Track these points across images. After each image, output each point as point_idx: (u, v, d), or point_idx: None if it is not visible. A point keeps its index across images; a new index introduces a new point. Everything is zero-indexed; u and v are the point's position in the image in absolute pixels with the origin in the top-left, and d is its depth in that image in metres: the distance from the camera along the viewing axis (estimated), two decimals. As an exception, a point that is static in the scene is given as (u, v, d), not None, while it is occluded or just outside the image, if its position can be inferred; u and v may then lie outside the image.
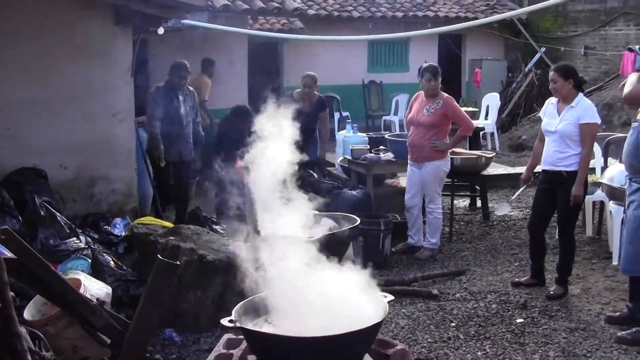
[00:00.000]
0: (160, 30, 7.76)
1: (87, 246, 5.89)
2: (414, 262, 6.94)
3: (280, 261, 4.57)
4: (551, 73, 5.72)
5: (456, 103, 7.07)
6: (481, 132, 13.39)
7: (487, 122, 13.55)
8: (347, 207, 6.96)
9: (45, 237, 5.70)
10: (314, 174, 7.84)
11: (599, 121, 5.60)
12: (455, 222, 8.32)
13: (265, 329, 3.83)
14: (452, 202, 8.01)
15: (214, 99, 11.16)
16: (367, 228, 6.76)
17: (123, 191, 6.94)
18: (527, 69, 15.82)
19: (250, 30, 12.20)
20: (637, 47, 4.75)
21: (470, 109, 10.30)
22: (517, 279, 6.15)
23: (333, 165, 10.11)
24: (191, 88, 7.81)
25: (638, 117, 4.85)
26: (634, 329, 4.86)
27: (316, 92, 8.67)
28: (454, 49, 17.84)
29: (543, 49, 16.10)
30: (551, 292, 5.78)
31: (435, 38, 17.90)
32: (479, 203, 9.02)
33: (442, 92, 7.01)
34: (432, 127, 6.83)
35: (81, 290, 4.42)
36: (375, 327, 3.80)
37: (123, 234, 6.54)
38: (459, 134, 7.07)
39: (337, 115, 16.56)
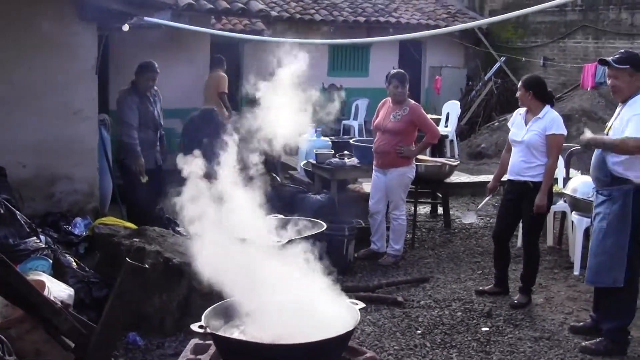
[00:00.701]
0: (125, 27, 7.63)
1: (47, 246, 5.75)
2: (377, 268, 6.93)
3: (248, 266, 4.55)
4: (518, 85, 5.79)
5: (423, 110, 7.08)
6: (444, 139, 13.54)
7: (447, 130, 13.64)
8: (311, 211, 6.92)
9: (4, 236, 5.51)
10: (277, 178, 7.79)
11: (565, 132, 5.67)
12: (417, 229, 8.36)
13: (236, 335, 3.76)
14: (415, 209, 8.04)
15: (172, 98, 11.00)
16: (332, 233, 6.72)
17: (84, 191, 6.78)
18: (486, 78, 16.01)
19: (213, 30, 12.08)
20: (610, 59, 4.77)
21: (433, 116, 10.34)
22: (480, 288, 6.19)
23: (294, 168, 10.08)
24: (156, 87, 7.53)
25: (605, 131, 4.92)
26: (597, 339, 4.93)
27: None
28: (415, 55, 17.95)
29: (503, 59, 16.31)
30: (515, 301, 5.83)
31: (396, 44, 17.99)
32: (439, 210, 9.08)
33: (409, 100, 7.02)
34: (398, 133, 6.83)
35: (45, 292, 4.30)
36: (347, 335, 3.77)
37: (84, 234, 6.40)
38: (425, 141, 7.10)
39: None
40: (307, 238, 5.67)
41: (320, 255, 6.52)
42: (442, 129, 13.58)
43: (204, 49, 12.11)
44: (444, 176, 7.89)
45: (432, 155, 9.25)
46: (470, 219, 6.98)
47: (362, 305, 4.11)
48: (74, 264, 5.39)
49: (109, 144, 8.15)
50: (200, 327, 3.79)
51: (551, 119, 5.61)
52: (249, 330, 3.89)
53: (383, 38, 14.34)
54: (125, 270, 4.11)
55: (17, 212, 5.68)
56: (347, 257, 6.83)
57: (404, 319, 5.54)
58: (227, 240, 5.60)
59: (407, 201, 8.40)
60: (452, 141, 13.81)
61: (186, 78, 11.64)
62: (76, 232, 6.42)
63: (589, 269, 4.98)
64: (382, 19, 17.31)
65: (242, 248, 5.41)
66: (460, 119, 15.56)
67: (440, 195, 8.80)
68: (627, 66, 4.75)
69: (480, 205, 7.02)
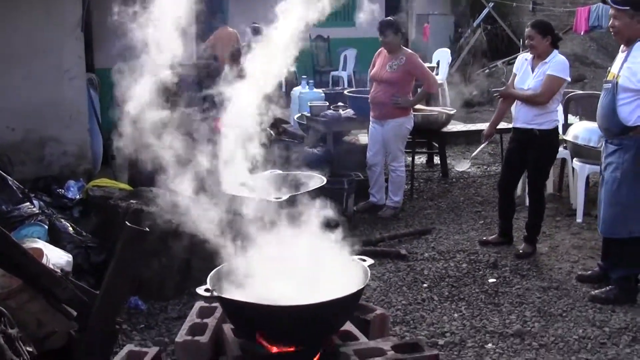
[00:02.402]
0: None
1: (41, 211, 5.60)
2: (378, 221, 6.83)
3: (249, 225, 4.43)
4: (528, 29, 5.54)
5: (420, 60, 6.90)
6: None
7: (438, 78, 13.42)
8: (307, 165, 6.76)
9: (-3, 202, 5.38)
10: (271, 132, 7.61)
11: (565, 78, 5.45)
12: (414, 180, 8.25)
13: (243, 297, 3.64)
14: (412, 159, 7.90)
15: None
16: (330, 187, 6.59)
17: (75, 153, 6.61)
18: (475, 24, 15.77)
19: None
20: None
21: (428, 64, 10.13)
22: (484, 238, 6.10)
23: (287, 122, 9.89)
24: None
25: (609, 78, 4.76)
26: (607, 288, 4.86)
27: None
28: (400, 3, 17.62)
29: (491, 4, 16.05)
30: (520, 251, 5.75)
31: (382, -8, 17.67)
32: (436, 160, 8.97)
33: (405, 48, 6.85)
34: (394, 84, 6.67)
35: (43, 261, 4.15)
36: (357, 294, 3.68)
37: (78, 197, 6.24)
38: (422, 90, 6.96)
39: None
40: (308, 193, 5.54)
41: (324, 209, 6.46)
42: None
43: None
44: (440, 125, 7.75)
45: (427, 104, 9.08)
46: (463, 166, 6.90)
47: (370, 261, 4.02)
48: (70, 229, 5.24)
49: (98, 103, 7.95)
50: (207, 290, 3.68)
51: (555, 62, 5.42)
52: (255, 292, 3.78)
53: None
54: (126, 235, 3.99)
55: (8, 177, 5.51)
56: (347, 211, 6.71)
57: (409, 273, 5.46)
58: (226, 199, 5.49)
59: (405, 152, 8.31)
60: (443, 89, 13.63)
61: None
62: (69, 195, 6.27)
63: (603, 220, 4.87)
64: (367, -35, 16.94)
65: (243, 206, 5.29)
66: (450, 66, 15.37)
67: (437, 145, 8.68)
68: (627, 7, 4.58)
69: (474, 153, 6.90)
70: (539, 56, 5.49)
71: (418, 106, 8.08)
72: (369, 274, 3.82)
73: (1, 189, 5.42)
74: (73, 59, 6.42)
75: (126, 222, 4.15)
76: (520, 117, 5.58)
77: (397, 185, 6.98)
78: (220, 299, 3.71)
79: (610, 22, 4.75)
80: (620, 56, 4.74)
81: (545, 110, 5.45)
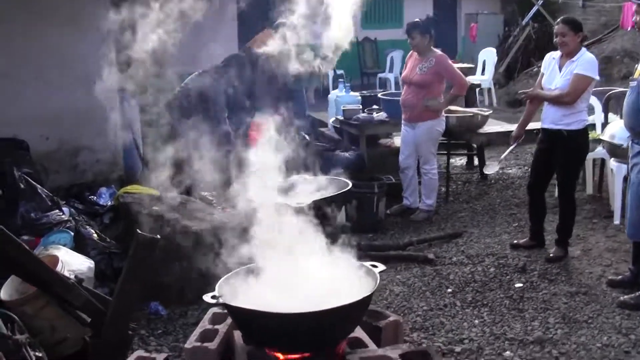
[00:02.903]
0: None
1: (70, 218, 5.69)
2: (410, 225, 6.75)
3: (267, 231, 4.42)
4: (559, 26, 5.36)
5: (449, 61, 6.79)
6: (477, 88, 13.16)
7: (483, 78, 13.26)
8: (339, 169, 6.73)
9: (26, 210, 5.48)
10: (306, 137, 7.58)
11: (594, 76, 5.27)
12: (452, 182, 8.14)
13: (251, 304, 3.62)
14: (448, 161, 7.79)
15: (199, 59, 10.85)
16: (361, 191, 6.57)
17: (108, 160, 6.69)
18: (523, 23, 15.46)
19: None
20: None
21: (465, 65, 10.00)
22: (515, 241, 5.95)
23: (326, 125, 9.87)
24: None
25: (636, 76, 4.58)
26: (637, 293, 4.68)
27: None
28: (447, 2, 17.47)
29: (540, 2, 15.71)
30: (551, 255, 5.59)
31: (430, -8, 17.56)
32: (476, 161, 8.81)
33: (435, 50, 6.74)
34: (424, 86, 6.58)
35: (59, 267, 4.23)
36: (364, 301, 3.62)
37: (109, 203, 6.33)
38: (452, 92, 6.84)
39: (331, 74, 16.27)
40: (330, 198, 5.50)
41: (348, 213, 6.43)
42: (478, 77, 13.29)
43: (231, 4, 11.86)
44: (476, 127, 7.60)
45: (466, 105, 8.93)
46: (492, 169, 6.73)
47: (382, 267, 3.96)
48: (95, 235, 5.32)
49: (137, 111, 8.07)
50: (213, 297, 3.68)
51: (583, 60, 5.25)
52: (265, 298, 3.76)
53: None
54: (137, 242, 4.03)
55: (38, 185, 5.62)
56: (378, 215, 6.66)
57: (434, 277, 5.36)
58: (248, 204, 5.49)
59: (439, 154, 8.19)
60: (489, 89, 13.43)
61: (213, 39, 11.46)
62: (101, 202, 6.35)
63: (630, 223, 4.71)
64: (414, -34, 16.86)
65: (259, 212, 5.29)
66: (498, 66, 15.12)
67: (475, 146, 8.53)
68: None
69: (504, 155, 6.74)
70: (568, 54, 5.32)
71: (453, 107, 7.98)
72: (378, 282, 3.76)
73: (31, 197, 5.53)
74: (105, 69, 6.50)
75: (137, 230, 4.22)
76: (548, 117, 5.43)
77: (430, 189, 6.88)
78: (227, 307, 3.70)
79: (634, 18, 4.58)
80: None
81: (573, 110, 5.29)
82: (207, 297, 3.70)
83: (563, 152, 5.38)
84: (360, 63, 16.67)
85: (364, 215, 6.60)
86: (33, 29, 6.15)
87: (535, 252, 5.75)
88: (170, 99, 7.93)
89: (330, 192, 5.58)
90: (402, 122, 6.86)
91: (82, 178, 6.62)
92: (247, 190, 5.69)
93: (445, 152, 7.76)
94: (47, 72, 6.29)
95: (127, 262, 4.07)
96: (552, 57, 5.52)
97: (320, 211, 5.41)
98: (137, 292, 4.10)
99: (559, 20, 5.49)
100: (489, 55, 13.45)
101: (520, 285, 5.12)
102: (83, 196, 6.41)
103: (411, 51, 6.98)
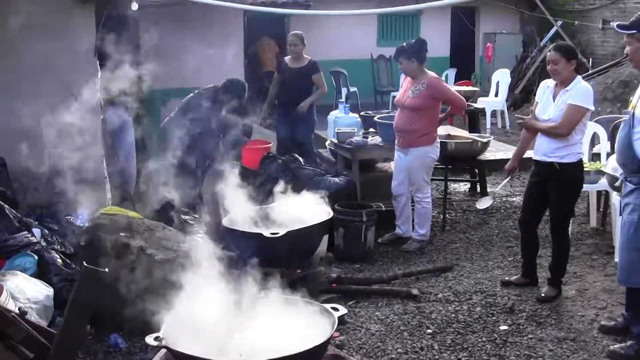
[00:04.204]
0: (134, 6, 7.25)
1: (40, 240, 5.49)
2: (400, 255, 6.43)
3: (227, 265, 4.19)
4: (551, 53, 5.05)
5: (443, 83, 6.50)
6: (491, 111, 12.83)
7: (497, 100, 12.91)
8: (328, 195, 6.44)
9: (-8, 231, 5.29)
10: (299, 158, 7.30)
11: (589, 107, 4.95)
12: (451, 210, 7.82)
13: (194, 350, 3.34)
14: (445, 188, 7.47)
15: (204, 76, 10.67)
16: (348, 219, 6.28)
17: (88, 179, 6.45)
18: (542, 44, 15.10)
19: (247, 6, 11.59)
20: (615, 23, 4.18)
21: (470, 88, 9.66)
22: (507, 278, 5.62)
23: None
24: None
25: (629, 108, 4.26)
26: (628, 343, 4.34)
27: (306, 56, 8.20)
28: (466, 22, 17.16)
29: (560, 23, 15.36)
30: (542, 294, 5.25)
31: (448, 11, 17.24)
32: (479, 188, 8.48)
33: (428, 72, 6.44)
34: (417, 110, 6.29)
35: (2, 298, 4.00)
36: (314, 351, 3.31)
37: (86, 224, 6.10)
38: (448, 112, 6.62)
39: (344, 91, 16.04)
40: (308, 229, 5.23)
41: (332, 243, 6.15)
42: (491, 99, 12.95)
43: (237, 24, 11.69)
44: (475, 153, 7.27)
45: (470, 130, 8.63)
46: (485, 204, 6.31)
47: (343, 311, 3.66)
48: (59, 260, 5.09)
49: (131, 126, 7.88)
50: (156, 338, 3.42)
51: (577, 89, 4.94)
52: (211, 343, 3.49)
53: (431, 4, 13.66)
54: (82, 275, 3.79)
55: (6, 206, 5.42)
56: (366, 244, 6.34)
57: (415, 316, 5.04)
58: (221, 233, 5.23)
59: (437, 179, 7.90)
60: (502, 112, 13.07)
61: (218, 56, 11.28)
62: (78, 223, 6.13)
63: (620, 267, 4.38)
64: (432, -16, 16.55)
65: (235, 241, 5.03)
66: (514, 87, 14.78)
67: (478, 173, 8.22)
68: (634, 30, 4.10)
69: (497, 189, 6.43)
70: (562, 83, 5.01)
71: (454, 133, 7.70)
72: (336, 326, 3.47)
73: (-1, 218, 5.33)
74: (86, 83, 6.30)
75: (84, 262, 3.97)
76: (540, 149, 5.11)
77: (423, 218, 6.57)
78: (170, 350, 3.43)
79: (625, 49, 4.27)
80: None
81: (566, 143, 4.96)
82: (149, 339, 3.44)
83: (556, 186, 5.06)
84: (375, 81, 16.38)
85: (351, 245, 6.30)
86: (15, 41, 5.98)
87: (526, 290, 5.42)
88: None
89: (309, 221, 5.31)
90: (396, 147, 6.57)
91: (62, 197, 6.39)
92: (221, 218, 5.50)
93: (443, 178, 7.44)
94: (26, 85, 6.10)
95: (72, 295, 3.83)
96: (546, 86, 5.20)
97: (295, 242, 5.17)
98: (82, 327, 3.86)
99: (551, 47, 5.19)
100: (502, 77, 13.10)
101: (506, 328, 4.79)
102: (59, 216, 6.20)
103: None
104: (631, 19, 4.18)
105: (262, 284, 3.96)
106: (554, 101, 5.06)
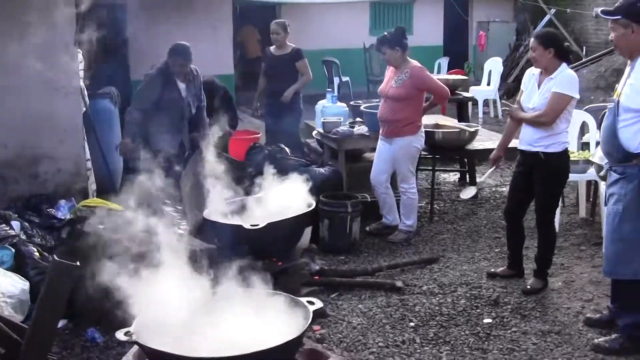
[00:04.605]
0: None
1: (20, 233, 5.40)
2: (386, 247, 6.34)
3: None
4: (531, 40, 5.02)
5: (426, 72, 6.39)
6: (483, 100, 12.75)
7: (489, 89, 12.83)
8: (314, 186, 6.34)
9: (-32, 224, 5.20)
10: (285, 149, 7.21)
11: (573, 95, 4.85)
12: (440, 200, 7.74)
13: (166, 345, 3.26)
14: (433, 178, 7.38)
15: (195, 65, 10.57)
16: (332, 210, 6.20)
17: (70, 170, 6.37)
18: (535, 32, 14.97)
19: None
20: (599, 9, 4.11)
21: (458, 77, 9.52)
22: (493, 270, 5.54)
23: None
24: (194, 69, 6.89)
25: (614, 96, 4.17)
26: (612, 336, 4.26)
27: (290, 44, 8.10)
28: (458, 10, 17.04)
29: (553, 11, 15.25)
30: (528, 287, 5.17)
31: (441, -1, 17.15)
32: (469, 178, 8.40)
33: (411, 61, 6.35)
34: (400, 100, 6.21)
35: (-27, 293, 3.92)
36: (288, 346, 3.23)
37: (68, 217, 6.01)
38: (430, 101, 6.55)
39: (336, 80, 15.94)
40: (289, 220, 5.15)
41: (316, 235, 6.06)
42: (483, 88, 12.86)
43: (225, 12, 11.55)
44: (463, 143, 7.18)
45: (458, 119, 8.53)
46: (469, 193, 6.23)
47: (319, 305, 3.58)
48: (36, 254, 4.99)
49: (117, 117, 7.78)
50: (127, 333, 3.35)
51: (561, 77, 4.84)
52: (183, 338, 3.41)
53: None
54: (53, 269, 3.72)
55: (-18, 198, 5.33)
56: (352, 236, 6.26)
57: (398, 309, 4.96)
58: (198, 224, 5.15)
59: (426, 169, 7.84)
60: (494, 101, 12.98)
61: (207, 44, 11.17)
62: (59, 215, 6.03)
63: (605, 258, 4.29)
64: (424, -27, 16.46)
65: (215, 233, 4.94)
66: (507, 76, 14.68)
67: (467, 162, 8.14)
68: (619, 16, 4.01)
69: (482, 178, 6.33)
70: (546, 70, 4.93)
71: (442, 122, 7.61)
72: (310, 319, 3.40)
73: (-26, 210, 5.24)
74: (67, 74, 6.20)
75: (54, 256, 3.88)
76: (525, 138, 5.03)
77: (408, 208, 6.49)
78: (140, 346, 3.36)
79: (610, 35, 4.18)
80: (626, 71, 4.15)
81: (551, 132, 4.87)
82: (119, 334, 3.37)
83: (541, 177, 4.98)
84: (367, 70, 16.27)
85: (336, 236, 6.22)
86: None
87: (512, 282, 5.34)
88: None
89: (290, 213, 5.22)
90: (380, 136, 6.49)
91: (43, 189, 6.30)
92: (200, 210, 5.41)
93: (430, 168, 7.36)
94: (5, 77, 6.00)
95: (43, 289, 3.76)
96: (531, 74, 5.11)
97: (276, 234, 5.08)
98: (53, 322, 3.80)
99: (532, 34, 5.11)
100: (494, 65, 13.01)
101: (489, 321, 4.72)
102: (40, 209, 6.11)
103: None
104: (615, 4, 4.09)
105: (240, 276, 3.90)
106: (538, 89, 4.97)
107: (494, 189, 8.12)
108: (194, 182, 5.42)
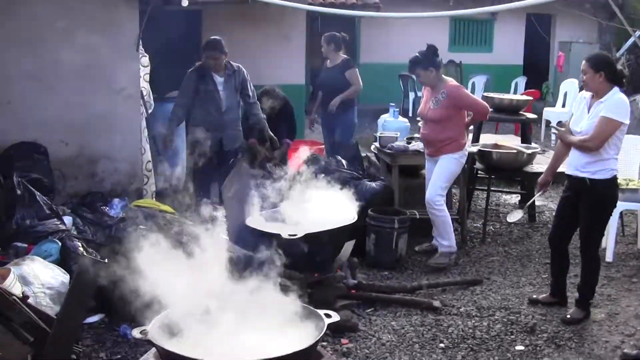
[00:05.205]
0: (185, 2, 7.30)
1: (72, 228, 5.62)
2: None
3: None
4: (582, 63, 4.90)
5: (463, 90, 6.27)
6: (557, 122, 12.43)
7: (563, 110, 12.50)
8: (364, 200, 6.32)
9: (22, 217, 5.42)
10: (341, 160, 7.23)
11: (623, 120, 4.70)
12: (497, 222, 7.60)
13: (178, 347, 3.33)
14: (487, 199, 7.26)
15: (266, 74, 10.71)
16: (379, 225, 6.18)
17: (126, 171, 6.58)
18: (618, 55, 14.54)
19: (305, 6, 11.53)
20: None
21: (522, 97, 9.25)
22: (535, 296, 5.40)
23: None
24: (235, 65, 6.96)
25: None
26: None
27: (342, 55, 8.23)
28: (539, 30, 16.73)
29: (638, 33, 14.73)
30: (568, 316, 5.01)
31: (523, 17, 16.89)
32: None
33: (446, 79, 6.21)
34: (440, 121, 6.09)
35: (8, 282, 4.09)
36: (297, 355, 3.24)
37: (119, 215, 6.20)
38: (471, 118, 6.36)
39: (412, 96, 15.91)
40: (328, 232, 5.15)
41: (368, 245, 6.02)
42: (558, 110, 12.56)
43: (299, 24, 11.66)
44: (521, 164, 7.03)
45: (522, 141, 8.37)
46: (515, 217, 6.03)
47: (335, 318, 3.57)
48: (81, 248, 5.16)
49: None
50: (142, 332, 3.43)
51: (611, 101, 4.71)
52: (199, 342, 3.47)
53: (503, 6, 13.34)
54: (81, 265, 3.85)
55: (37, 192, 5.54)
56: (397, 252, 6.21)
57: (431, 328, 4.90)
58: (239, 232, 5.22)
59: (481, 189, 7.72)
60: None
61: (280, 55, 11.31)
62: (112, 213, 6.23)
63: None
64: (507, -10, 16.20)
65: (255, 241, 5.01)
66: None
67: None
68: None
69: (529, 202, 6.16)
70: (597, 94, 4.79)
71: (501, 143, 7.48)
72: (324, 331, 3.39)
73: (29, 204, 5.46)
74: (128, 77, 6.41)
75: (82, 253, 4.01)
76: (572, 163, 4.90)
77: (442, 227, 6.23)
78: (154, 346, 3.43)
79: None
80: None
81: (599, 157, 4.73)
82: (135, 332, 3.45)
83: (587, 203, 4.83)
84: (443, 87, 16.15)
85: (381, 251, 6.19)
86: (64, 33, 6.12)
87: (553, 310, 5.19)
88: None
89: (331, 224, 5.22)
90: (425, 156, 6.44)
91: (100, 187, 6.53)
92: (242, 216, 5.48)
93: (486, 188, 7.24)
94: (71, 78, 6.25)
95: (71, 283, 3.90)
96: (582, 97, 4.98)
97: (314, 244, 5.09)
98: (81, 315, 3.96)
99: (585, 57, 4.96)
100: (571, 87, 12.68)
101: (522, 348, 4.60)
102: (95, 206, 6.32)
103: None
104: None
105: (271, 285, 3.92)
106: (588, 112, 4.83)
107: (553, 213, 7.89)
108: (237, 188, 5.48)
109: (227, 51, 6.77)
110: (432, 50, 6.16)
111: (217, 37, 6.85)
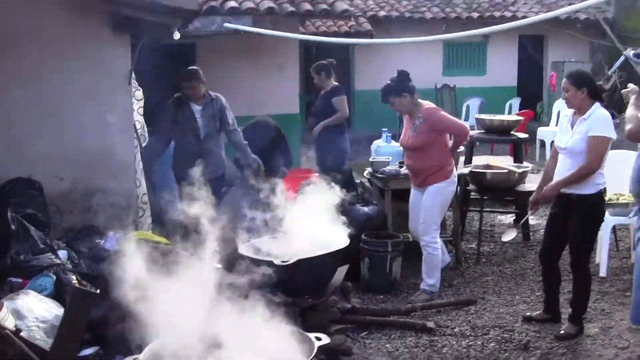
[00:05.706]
0: (176, 36, 7.42)
1: (66, 262, 5.66)
2: (427, 287, 6.30)
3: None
4: (564, 80, 4.98)
5: (441, 112, 6.10)
6: (550, 141, 12.50)
7: (556, 130, 12.55)
8: (356, 225, 6.37)
9: (17, 252, 5.46)
10: (335, 186, 7.27)
11: (611, 135, 4.78)
12: (491, 242, 7.64)
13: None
14: (480, 219, 7.31)
15: (260, 104, 10.82)
16: (373, 249, 6.22)
17: (122, 204, 6.60)
18: (609, 72, 14.64)
19: (299, 35, 11.67)
20: (631, 52, 4.03)
21: (513, 117, 9.32)
22: (528, 313, 5.43)
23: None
24: (214, 94, 7.07)
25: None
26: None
27: (334, 82, 8.41)
28: (531, 51, 16.88)
29: (629, 50, 14.87)
30: (561, 332, 5.04)
31: (515, 39, 17.04)
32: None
33: (422, 102, 6.08)
34: (421, 148, 5.98)
35: (0, 315, 4.12)
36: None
37: (115, 248, 6.25)
38: (453, 143, 6.12)
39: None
40: (320, 257, 5.19)
41: (362, 269, 6.05)
42: (551, 129, 12.63)
43: (292, 53, 11.80)
44: (513, 184, 7.10)
45: (515, 160, 8.44)
46: (509, 236, 6.04)
47: (325, 340, 3.61)
48: (75, 281, 5.20)
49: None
50: (134, 360, 3.47)
51: (595, 119, 4.78)
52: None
53: (495, 27, 13.43)
54: (73, 296, 3.90)
55: (31, 227, 5.59)
56: (392, 275, 6.25)
57: (425, 349, 4.93)
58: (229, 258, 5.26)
59: (474, 210, 7.75)
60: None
61: (274, 84, 11.44)
62: (107, 246, 6.28)
63: (633, 306, 4.16)
64: (497, 13, 16.39)
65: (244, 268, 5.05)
66: (580, 117, 14.38)
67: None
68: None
69: (522, 221, 6.21)
70: (579, 111, 4.87)
71: (492, 163, 7.55)
72: (314, 353, 3.43)
73: (23, 239, 5.51)
74: (121, 111, 6.48)
75: (74, 284, 4.05)
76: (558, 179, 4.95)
77: (430, 265, 6.03)
78: (145, 376, 3.47)
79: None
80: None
81: (584, 174, 4.79)
82: (129, 360, 3.49)
83: (575, 219, 4.88)
84: (438, 110, 16.26)
85: (375, 275, 6.23)
86: (54, 66, 6.20)
87: (547, 327, 5.22)
88: None
89: (323, 250, 5.27)
90: (411, 186, 6.32)
91: (95, 220, 6.56)
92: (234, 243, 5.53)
93: (478, 209, 7.29)
94: (63, 112, 6.31)
95: (63, 315, 3.94)
96: (565, 114, 5.06)
97: (306, 270, 5.13)
98: (74, 346, 3.98)
99: (565, 74, 5.05)
100: (563, 106, 12.72)
101: (515, 365, 4.63)
102: (90, 239, 6.37)
103: None
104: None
105: (265, 311, 3.96)
106: (571, 129, 4.90)
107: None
108: (230, 215, 5.54)
109: (205, 80, 6.92)
110: (403, 76, 6.05)
111: (194, 67, 7.03)
